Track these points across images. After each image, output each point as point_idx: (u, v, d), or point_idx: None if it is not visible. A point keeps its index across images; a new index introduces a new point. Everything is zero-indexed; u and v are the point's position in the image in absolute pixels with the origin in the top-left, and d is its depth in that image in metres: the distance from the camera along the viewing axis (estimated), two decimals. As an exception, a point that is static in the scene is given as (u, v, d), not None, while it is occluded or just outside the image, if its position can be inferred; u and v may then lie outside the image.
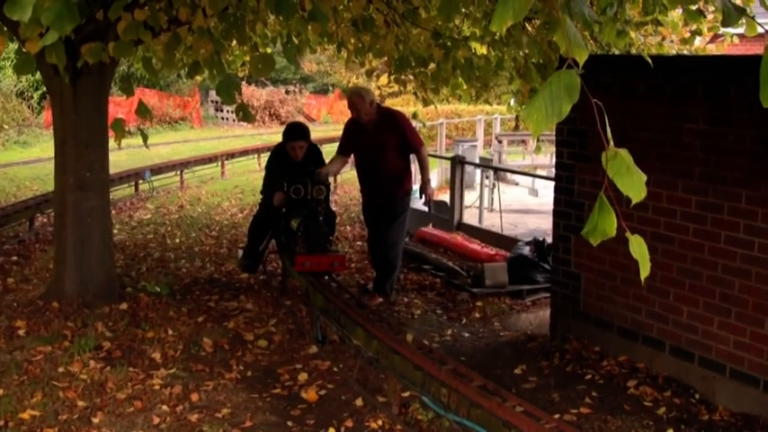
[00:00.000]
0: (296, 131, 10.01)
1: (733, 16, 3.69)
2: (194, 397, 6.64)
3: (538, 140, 18.04)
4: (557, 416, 5.39)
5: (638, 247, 2.40)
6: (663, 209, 7.23)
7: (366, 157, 9.85)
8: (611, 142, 2.33)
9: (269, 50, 10.23)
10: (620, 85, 7.58)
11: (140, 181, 18.42)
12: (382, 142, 9.60)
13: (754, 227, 6.50)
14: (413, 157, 10.05)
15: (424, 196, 9.92)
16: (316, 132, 36.77)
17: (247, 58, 10.95)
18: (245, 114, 6.28)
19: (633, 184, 2.33)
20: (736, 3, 3.93)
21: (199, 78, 10.06)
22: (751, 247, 6.53)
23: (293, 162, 9.83)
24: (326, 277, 8.95)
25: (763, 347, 6.48)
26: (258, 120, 40.56)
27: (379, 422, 6.28)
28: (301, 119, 44.26)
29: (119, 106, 28.15)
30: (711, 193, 6.85)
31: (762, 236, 6.44)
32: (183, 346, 7.71)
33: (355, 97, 9.53)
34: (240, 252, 10.86)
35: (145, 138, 6.45)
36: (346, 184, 20.05)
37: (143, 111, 6.34)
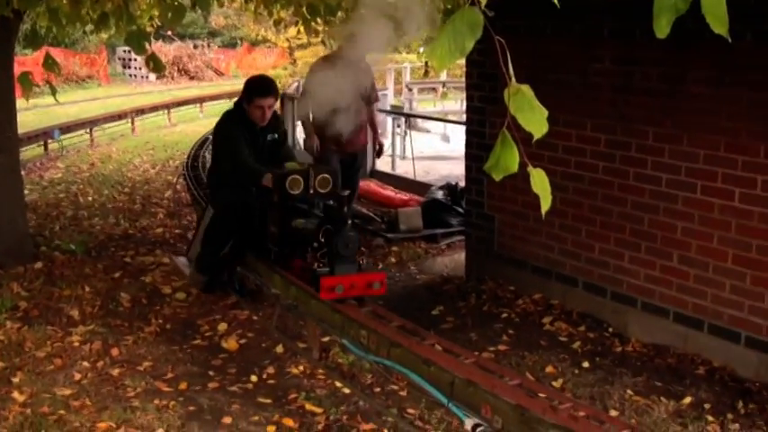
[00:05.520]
0: (266, 86, 7.86)
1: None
2: (114, 352, 6.62)
3: (444, 86, 18.18)
4: (475, 353, 5.50)
5: (540, 181, 2.45)
6: (573, 148, 7.35)
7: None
8: (513, 78, 2.38)
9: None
10: (528, 27, 7.65)
11: (49, 140, 18.13)
12: (366, 84, 9.67)
13: (661, 163, 6.65)
14: None
15: (378, 146, 10.20)
16: (224, 87, 36.47)
17: (155, 12, 10.82)
18: (155, 64, 6.24)
19: (535, 119, 2.37)
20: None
21: (105, 36, 9.76)
22: (659, 183, 6.68)
23: (255, 130, 7.78)
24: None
25: (673, 279, 6.65)
26: (167, 75, 40.18)
27: (301, 368, 6.34)
28: (210, 73, 43.96)
29: (23, 66, 27.62)
30: (620, 131, 6.98)
31: (669, 171, 6.59)
32: (100, 303, 7.67)
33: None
34: (184, 260, 8.93)
35: (54, 91, 6.37)
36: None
37: (50, 64, 6.25)
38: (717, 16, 2.10)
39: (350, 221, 6.58)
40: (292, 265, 6.93)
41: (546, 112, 2.38)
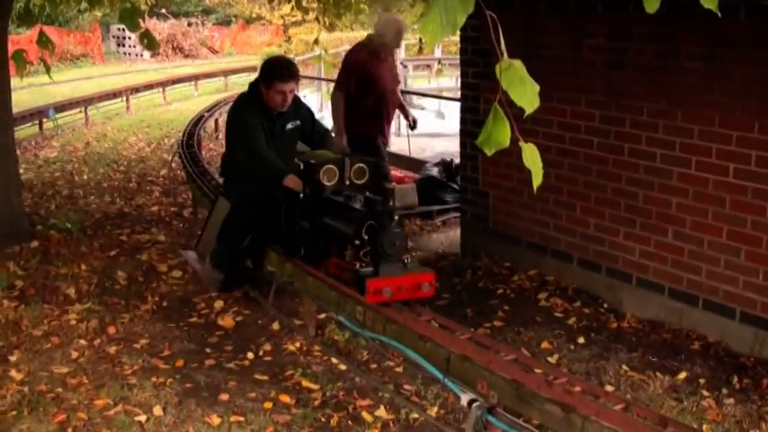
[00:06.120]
0: (288, 68, 7.07)
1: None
2: (111, 330, 6.64)
3: (438, 63, 18.17)
4: (471, 329, 5.51)
5: (531, 156, 2.46)
6: (567, 124, 7.35)
7: (376, 91, 9.01)
8: (505, 54, 2.39)
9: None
10: (522, 2, 7.64)
11: (44, 119, 18.14)
12: (395, 70, 9.44)
13: (655, 138, 6.65)
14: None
15: (413, 121, 9.99)
16: (219, 65, 36.34)
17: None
18: (149, 41, 6.23)
19: (526, 94, 2.38)
20: None
21: (99, 14, 9.69)
22: (653, 159, 6.68)
23: (272, 116, 7.09)
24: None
25: (667, 255, 6.67)
26: (161, 53, 40.13)
27: (297, 344, 6.35)
28: (205, 51, 43.89)
29: (16, 44, 27.58)
30: (614, 107, 6.98)
31: (663, 147, 6.59)
32: (97, 281, 7.69)
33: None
34: (194, 255, 8.27)
35: (48, 69, 6.36)
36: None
37: (44, 42, 6.25)
38: (707, -9, 2.11)
39: (396, 217, 5.81)
40: (328, 264, 6.28)
41: (537, 88, 2.39)
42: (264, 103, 7.02)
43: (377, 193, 6.04)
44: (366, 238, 5.77)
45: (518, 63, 2.41)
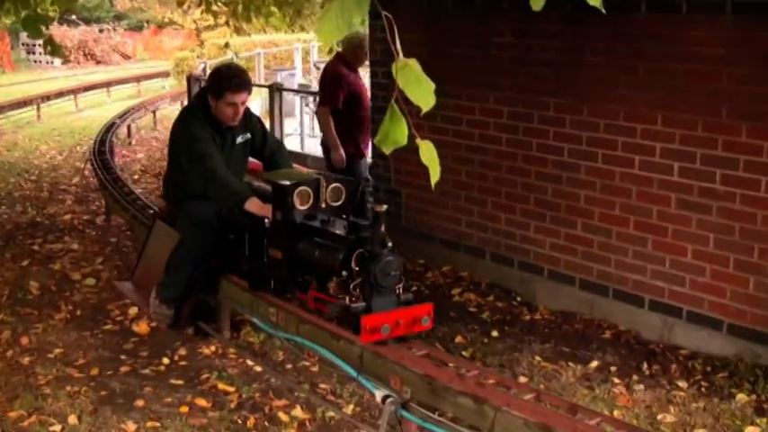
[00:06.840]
0: (240, 78, 6.22)
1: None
2: (24, 340, 6.56)
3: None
4: (384, 327, 5.54)
5: (428, 153, 2.49)
6: (476, 121, 7.43)
7: (363, 105, 8.91)
8: (401, 53, 2.42)
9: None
10: (430, 3, 7.70)
11: (-49, 130, 17.91)
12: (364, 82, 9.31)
13: (562, 133, 6.77)
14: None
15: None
16: (131, 71, 35.99)
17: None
18: (53, 48, 6.16)
19: (422, 92, 2.42)
20: None
21: (7, 21, 9.54)
22: (561, 153, 6.80)
23: (222, 130, 6.28)
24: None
25: (577, 247, 6.79)
26: (73, 60, 39.70)
27: (212, 348, 6.34)
28: (117, 57, 43.46)
29: None
30: (521, 103, 7.08)
31: (570, 141, 6.71)
32: (8, 292, 7.60)
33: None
34: (130, 286, 7.26)
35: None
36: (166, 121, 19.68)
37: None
38: (590, -13, 2.17)
39: (390, 244, 5.06)
40: (306, 298, 5.48)
41: (433, 86, 2.43)
42: (213, 116, 6.24)
43: (354, 215, 5.61)
44: (356, 268, 5.03)
45: (413, 62, 2.44)
